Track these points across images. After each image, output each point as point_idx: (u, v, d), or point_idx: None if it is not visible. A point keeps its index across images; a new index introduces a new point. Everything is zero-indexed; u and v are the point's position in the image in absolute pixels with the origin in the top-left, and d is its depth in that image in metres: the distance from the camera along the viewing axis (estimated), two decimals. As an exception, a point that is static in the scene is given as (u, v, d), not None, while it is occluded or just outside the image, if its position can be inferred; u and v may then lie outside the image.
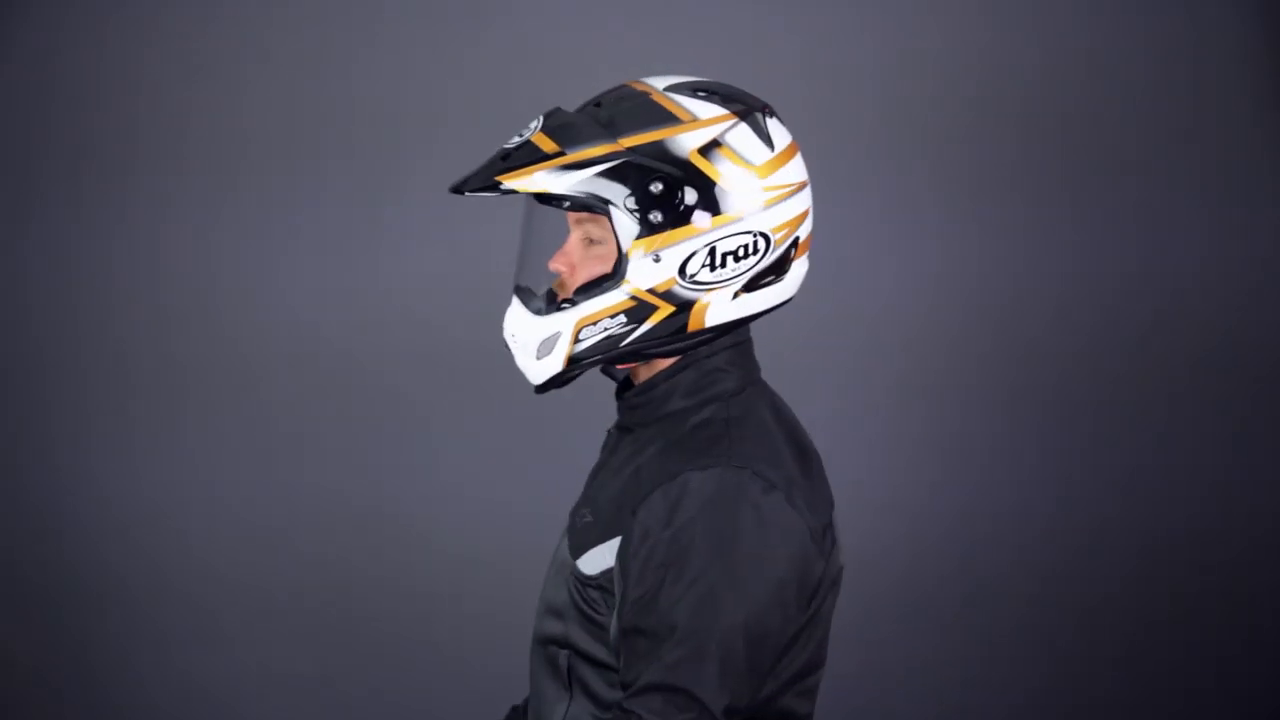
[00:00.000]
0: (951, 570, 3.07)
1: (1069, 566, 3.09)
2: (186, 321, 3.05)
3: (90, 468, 3.06)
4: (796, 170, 1.42)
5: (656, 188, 1.35)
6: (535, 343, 1.42)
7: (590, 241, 1.41)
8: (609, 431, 1.53)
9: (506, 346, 1.46)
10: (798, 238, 1.42)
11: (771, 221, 1.39)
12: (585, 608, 1.41)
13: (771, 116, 1.42)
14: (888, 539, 2.97)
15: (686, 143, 1.36)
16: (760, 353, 1.50)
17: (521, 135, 1.39)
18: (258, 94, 3.01)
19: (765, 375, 1.50)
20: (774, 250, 1.40)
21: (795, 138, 1.44)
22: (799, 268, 1.45)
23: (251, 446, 3.06)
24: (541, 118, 1.40)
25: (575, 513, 1.47)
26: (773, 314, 1.47)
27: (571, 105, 1.46)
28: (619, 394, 1.49)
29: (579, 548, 1.42)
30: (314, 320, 3.05)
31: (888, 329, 3.07)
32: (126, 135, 3.01)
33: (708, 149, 1.37)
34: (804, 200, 1.43)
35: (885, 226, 3.04)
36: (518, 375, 1.47)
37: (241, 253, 3.04)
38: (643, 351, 1.41)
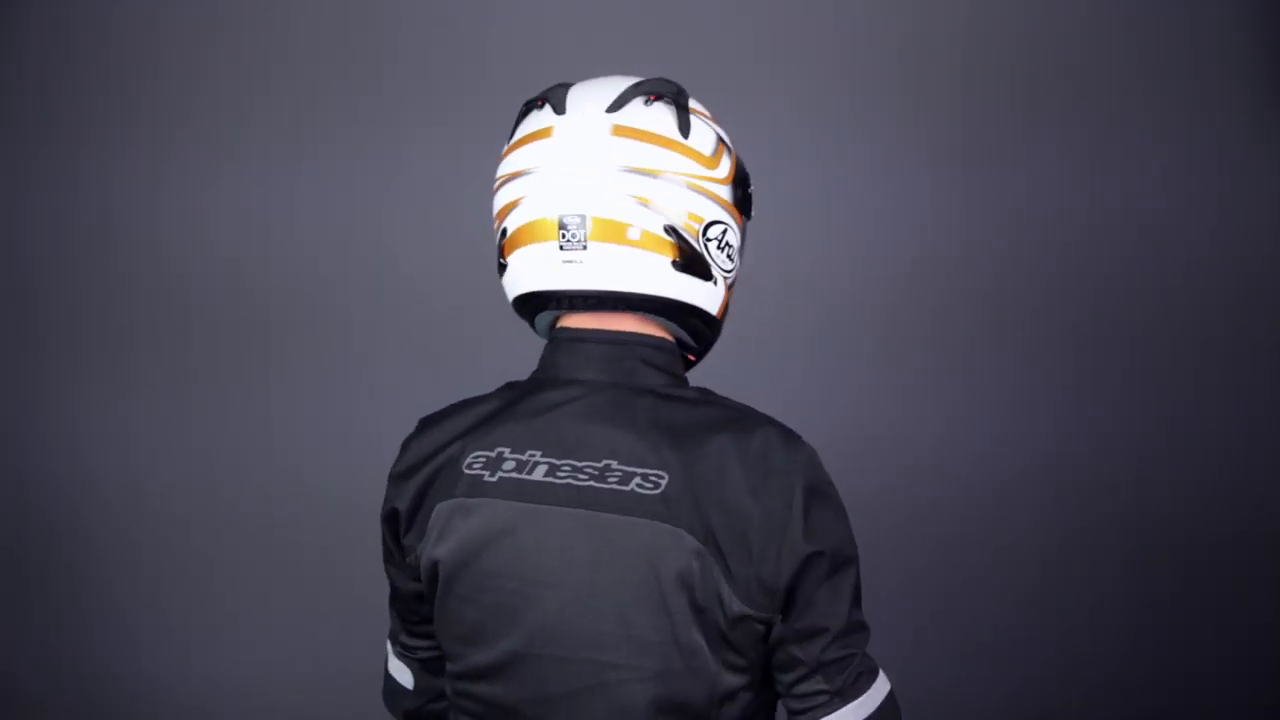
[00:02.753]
0: (938, 528, 3.07)
1: (1059, 525, 3.08)
2: (186, 310, 3.06)
3: (82, 456, 3.07)
4: (513, 162, 1.38)
5: None
6: None
7: None
8: None
9: None
10: (505, 229, 1.39)
11: (492, 212, 1.42)
12: None
13: (543, 108, 1.38)
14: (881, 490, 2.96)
15: None
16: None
17: None
18: (257, 50, 3.00)
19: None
20: (496, 240, 1.42)
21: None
22: (521, 259, 1.37)
23: (251, 434, 3.07)
24: None
25: None
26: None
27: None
28: None
29: None
30: (318, 301, 3.05)
31: (875, 281, 3.05)
32: (126, 92, 3.01)
33: None
34: (506, 194, 1.38)
35: (872, 181, 3.03)
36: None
37: (241, 220, 3.03)
38: None
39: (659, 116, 1.36)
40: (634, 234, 1.33)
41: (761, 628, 1.31)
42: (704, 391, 1.39)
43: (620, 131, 1.34)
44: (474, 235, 2.92)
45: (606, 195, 1.32)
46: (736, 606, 1.29)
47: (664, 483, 1.29)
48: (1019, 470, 3.05)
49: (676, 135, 1.36)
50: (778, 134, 2.91)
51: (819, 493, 1.31)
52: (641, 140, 1.34)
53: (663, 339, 1.40)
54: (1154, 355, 3.05)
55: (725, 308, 1.44)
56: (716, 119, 1.45)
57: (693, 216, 1.35)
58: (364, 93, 3.00)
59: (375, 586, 2.99)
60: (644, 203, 1.33)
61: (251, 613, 3.07)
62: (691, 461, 1.30)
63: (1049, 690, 3.07)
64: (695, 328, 1.41)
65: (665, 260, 1.35)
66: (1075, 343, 3.05)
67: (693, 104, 1.41)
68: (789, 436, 1.33)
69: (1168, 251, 3.02)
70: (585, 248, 1.33)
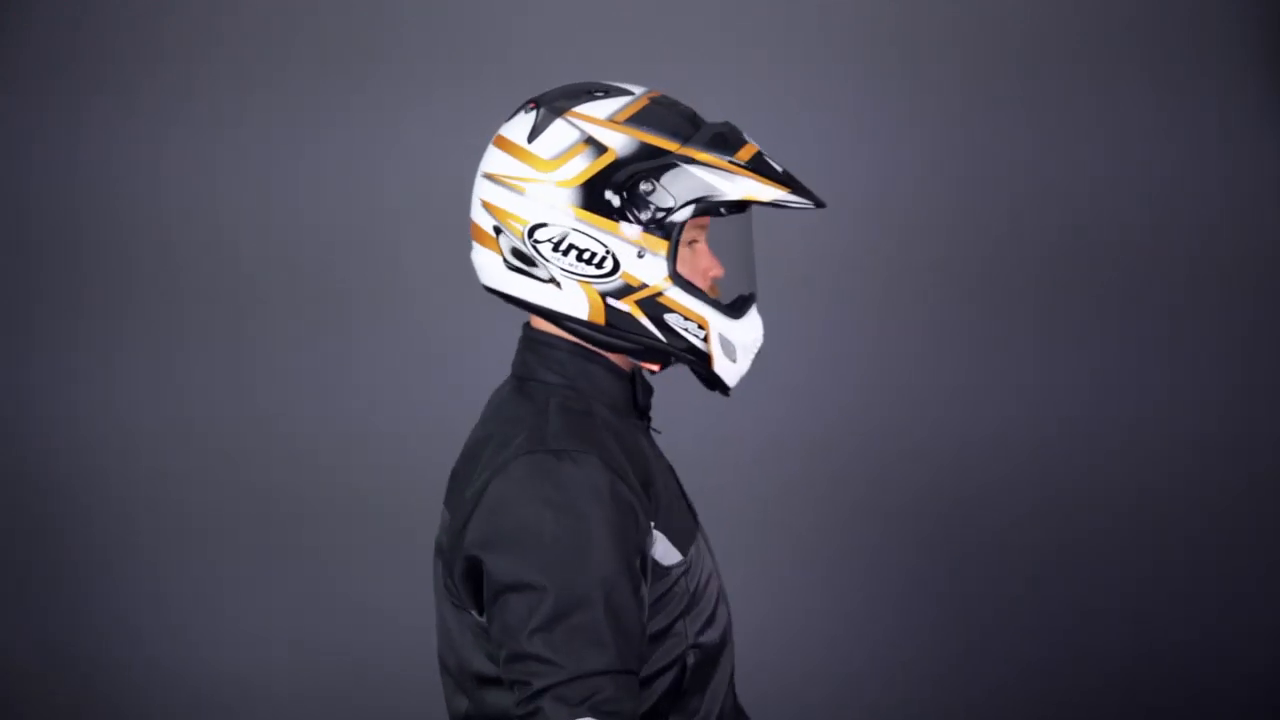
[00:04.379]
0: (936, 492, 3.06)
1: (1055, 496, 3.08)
2: (183, 294, 3.05)
3: (81, 441, 3.07)
4: None
5: None
6: None
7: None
8: (638, 423, 1.49)
9: (743, 358, 1.46)
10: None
11: None
12: None
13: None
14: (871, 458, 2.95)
15: None
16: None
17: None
18: (260, 23, 3.00)
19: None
20: None
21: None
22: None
23: (256, 417, 3.06)
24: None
25: (691, 506, 1.51)
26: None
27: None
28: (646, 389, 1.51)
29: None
30: (317, 288, 3.04)
31: (870, 265, 3.05)
32: (129, 57, 3.00)
33: None
34: None
35: (863, 139, 3.02)
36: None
37: (239, 195, 3.03)
38: None
39: (520, 123, 1.42)
40: (479, 236, 1.45)
41: (485, 620, 1.35)
42: (546, 391, 1.42)
43: (494, 140, 1.45)
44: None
45: (474, 201, 1.45)
46: (451, 592, 1.41)
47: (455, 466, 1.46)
48: (1015, 454, 3.05)
49: (521, 141, 1.41)
50: (768, 112, 2.90)
51: (503, 505, 1.33)
52: (496, 147, 1.43)
53: (552, 336, 1.45)
54: (1159, 336, 3.04)
55: (614, 311, 1.40)
56: (624, 119, 1.37)
57: (517, 219, 1.41)
58: (366, 74, 3.00)
59: (375, 577, 3.03)
60: (486, 206, 1.43)
61: (253, 599, 3.07)
62: (468, 452, 1.44)
63: (1049, 672, 3.07)
64: (575, 330, 1.43)
65: (499, 259, 1.43)
66: (1076, 327, 3.05)
67: (583, 108, 1.39)
68: (513, 447, 1.36)
69: (1172, 229, 3.02)
70: (472, 247, 1.47)
